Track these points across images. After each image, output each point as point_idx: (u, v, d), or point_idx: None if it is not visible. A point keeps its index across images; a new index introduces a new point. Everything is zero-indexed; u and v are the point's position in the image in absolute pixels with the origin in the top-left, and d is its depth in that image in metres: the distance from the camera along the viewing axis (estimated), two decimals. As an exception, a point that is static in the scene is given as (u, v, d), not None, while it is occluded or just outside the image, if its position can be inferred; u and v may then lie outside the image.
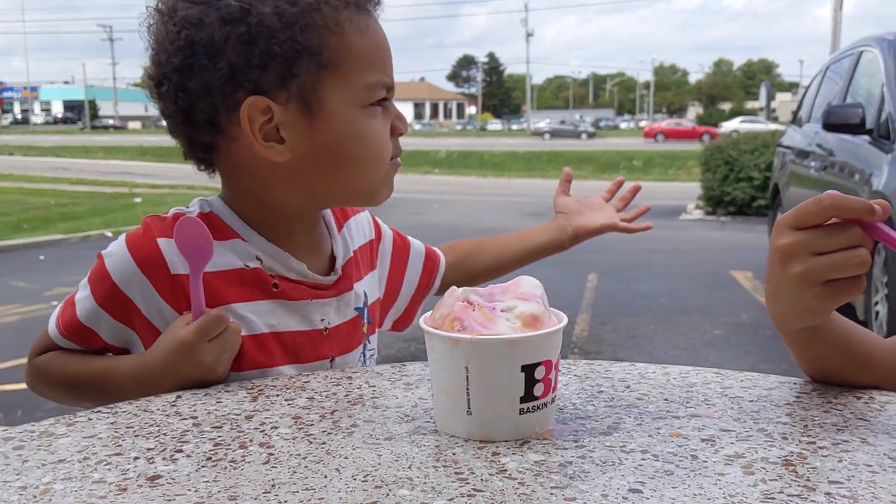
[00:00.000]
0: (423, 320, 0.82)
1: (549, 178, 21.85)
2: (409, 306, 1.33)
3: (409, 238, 1.35)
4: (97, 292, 1.05)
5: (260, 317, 1.06)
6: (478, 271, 1.40)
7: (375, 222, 1.29)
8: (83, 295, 1.07)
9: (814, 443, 0.78)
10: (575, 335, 5.30)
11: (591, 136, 57.88)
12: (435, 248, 1.38)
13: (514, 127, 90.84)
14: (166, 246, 1.02)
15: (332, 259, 1.15)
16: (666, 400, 0.90)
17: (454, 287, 0.84)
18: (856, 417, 0.85)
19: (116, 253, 1.05)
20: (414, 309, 1.34)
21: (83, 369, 1.08)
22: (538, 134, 59.78)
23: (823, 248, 0.80)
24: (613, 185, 1.51)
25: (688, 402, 0.89)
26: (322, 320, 1.11)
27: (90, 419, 0.86)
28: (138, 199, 13.73)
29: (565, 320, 0.81)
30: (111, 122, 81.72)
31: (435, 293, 1.34)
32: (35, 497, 0.68)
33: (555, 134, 57.97)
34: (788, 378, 0.98)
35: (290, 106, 1.00)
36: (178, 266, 1.02)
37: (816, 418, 0.85)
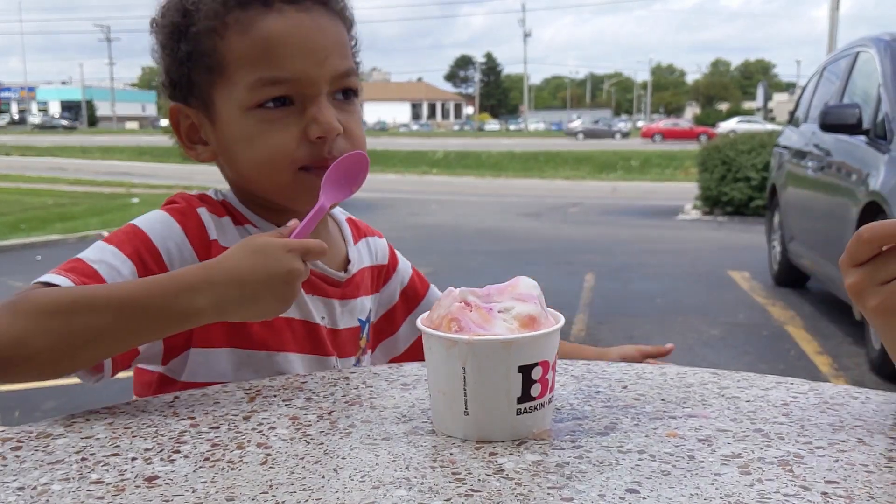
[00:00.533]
0: (421, 321, 0.82)
1: (545, 178, 21.85)
2: (410, 350, 1.27)
3: (432, 286, 1.31)
4: (126, 246, 0.99)
5: None
6: None
7: (394, 254, 1.28)
8: (103, 250, 0.99)
9: (810, 443, 0.78)
10: (572, 335, 5.30)
11: (625, 135, 56.88)
12: None
13: (512, 127, 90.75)
14: (206, 215, 1.06)
15: (346, 265, 1.16)
16: (663, 400, 0.91)
17: (451, 287, 0.84)
18: (852, 417, 0.85)
19: (154, 218, 1.05)
20: (414, 354, 1.27)
21: (102, 286, 0.93)
22: (571, 134, 58.03)
23: (887, 277, 0.79)
24: (658, 353, 1.39)
25: (685, 403, 0.90)
26: (322, 318, 1.12)
27: (88, 420, 0.86)
28: (136, 200, 13.71)
29: (562, 321, 0.81)
30: (63, 121, 76.76)
31: None
32: (33, 498, 0.68)
33: (588, 134, 56.20)
34: (785, 378, 0.98)
35: (199, 111, 1.07)
36: (214, 232, 1.05)
37: (813, 418, 0.85)
